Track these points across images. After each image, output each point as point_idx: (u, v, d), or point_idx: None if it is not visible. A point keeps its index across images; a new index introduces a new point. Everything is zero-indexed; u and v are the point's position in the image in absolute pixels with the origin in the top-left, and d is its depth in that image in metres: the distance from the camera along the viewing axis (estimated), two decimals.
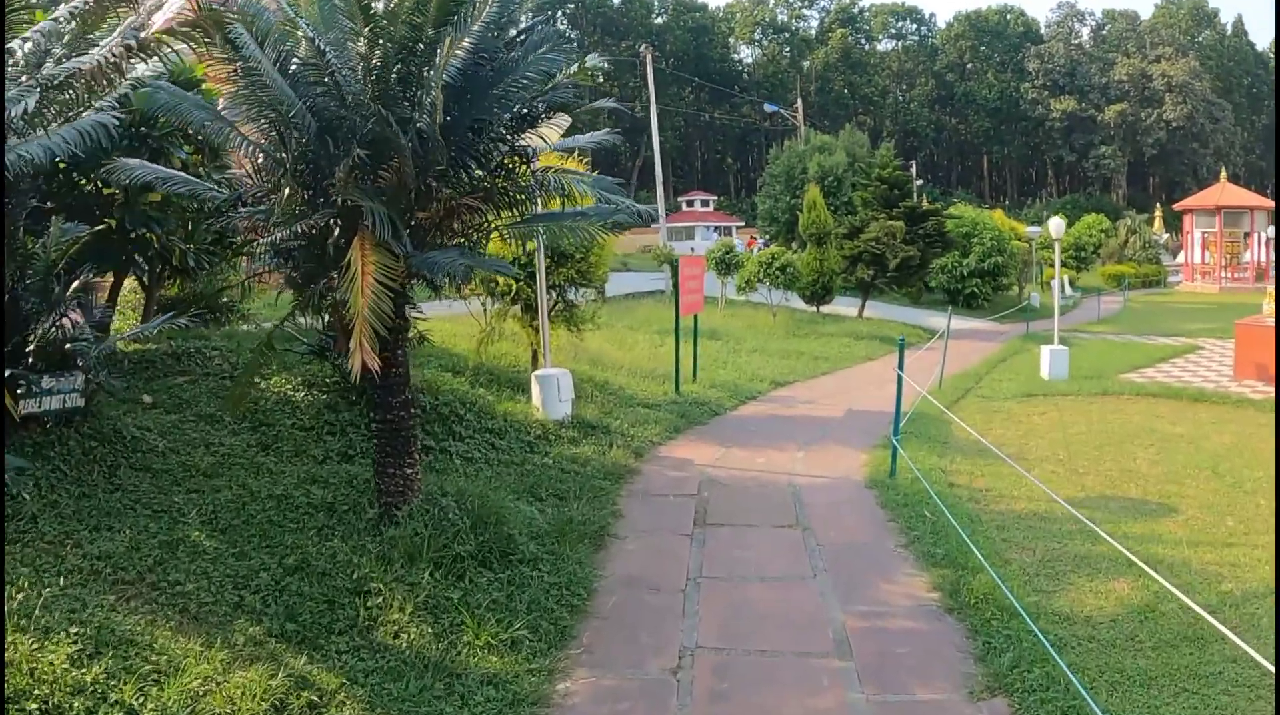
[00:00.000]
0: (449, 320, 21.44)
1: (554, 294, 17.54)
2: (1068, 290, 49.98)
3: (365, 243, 7.44)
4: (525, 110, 8.93)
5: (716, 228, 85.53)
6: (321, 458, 11.75)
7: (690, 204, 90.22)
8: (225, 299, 17.17)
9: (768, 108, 73.55)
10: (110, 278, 14.30)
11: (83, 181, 12.29)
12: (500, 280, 16.76)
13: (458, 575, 8.37)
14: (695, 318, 20.51)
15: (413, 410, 9.55)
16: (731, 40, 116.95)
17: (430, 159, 8.11)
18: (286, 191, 7.85)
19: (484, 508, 9.51)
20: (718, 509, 11.50)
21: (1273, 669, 4.81)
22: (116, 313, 16.50)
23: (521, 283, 16.64)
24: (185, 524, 9.27)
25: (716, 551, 9.97)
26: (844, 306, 38.80)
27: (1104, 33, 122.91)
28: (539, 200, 11.70)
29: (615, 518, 11.09)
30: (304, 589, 8.02)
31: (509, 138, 9.00)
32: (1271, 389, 18.83)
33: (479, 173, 8.99)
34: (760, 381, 21.62)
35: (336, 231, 8.25)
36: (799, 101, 72.12)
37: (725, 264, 34.11)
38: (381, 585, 8.07)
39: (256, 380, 11.38)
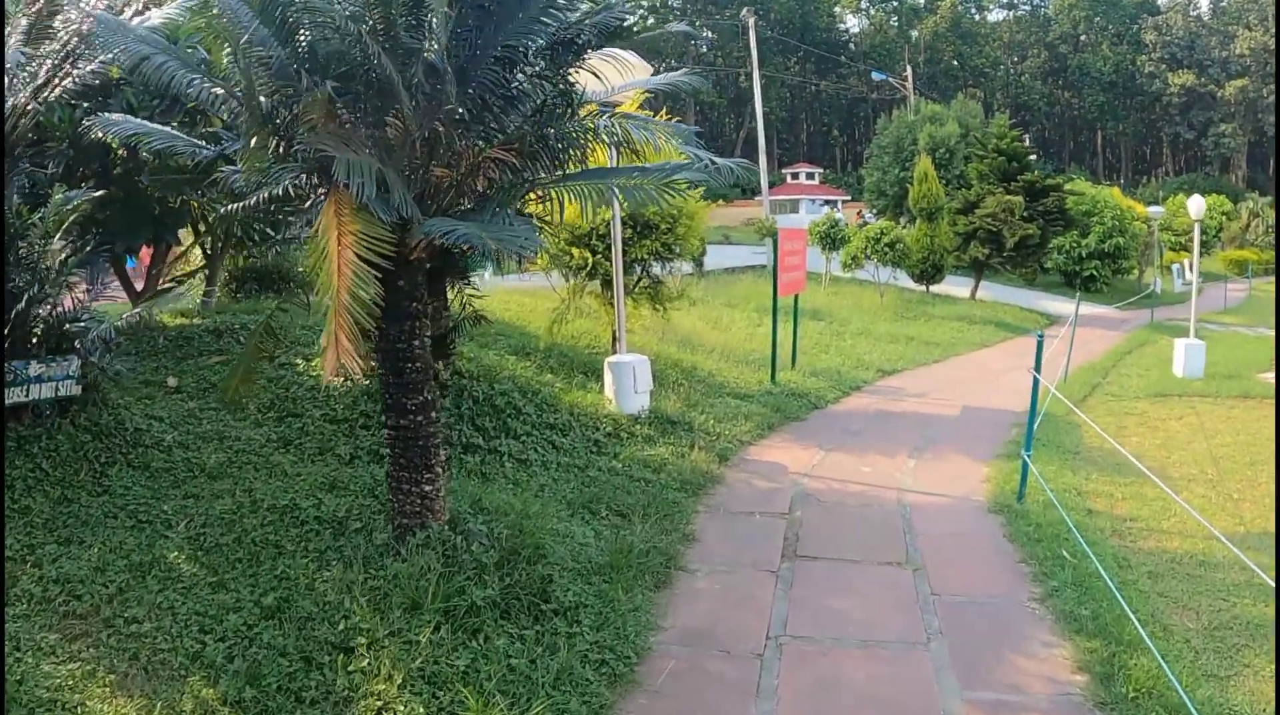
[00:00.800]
0: (530, 293, 19.78)
1: (638, 269, 15.68)
2: (1188, 275, 46.36)
3: (340, 206, 5.60)
4: (568, 36, 6.95)
5: (826, 201, 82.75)
6: (348, 457, 10.16)
7: (795, 176, 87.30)
8: (300, 268, 15.70)
9: (875, 75, 70.31)
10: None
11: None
12: (575, 252, 14.96)
13: (471, 631, 6.52)
14: (795, 298, 18.36)
15: (435, 413, 7.73)
16: (838, 9, 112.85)
17: (440, 98, 6.23)
18: (253, 141, 6.00)
19: (520, 535, 7.74)
20: (812, 535, 9.49)
21: None
22: (181, 284, 15.41)
23: (599, 256, 14.81)
24: (166, 540, 7.83)
25: (807, 598, 7.96)
26: (955, 286, 36.26)
27: (1224, 4, 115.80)
28: (614, 156, 9.87)
29: (686, 543, 9.18)
30: (277, 640, 6.35)
31: (550, 73, 7.05)
32: None
33: (511, 117, 7.07)
34: (866, 369, 19.48)
35: (317, 193, 6.42)
36: (908, 69, 68.64)
37: (830, 238, 31.82)
38: (371, 641, 6.29)
39: (264, 364, 9.78)
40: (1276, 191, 35.51)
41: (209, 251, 15.53)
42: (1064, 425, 14.59)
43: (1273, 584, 6.03)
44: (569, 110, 7.36)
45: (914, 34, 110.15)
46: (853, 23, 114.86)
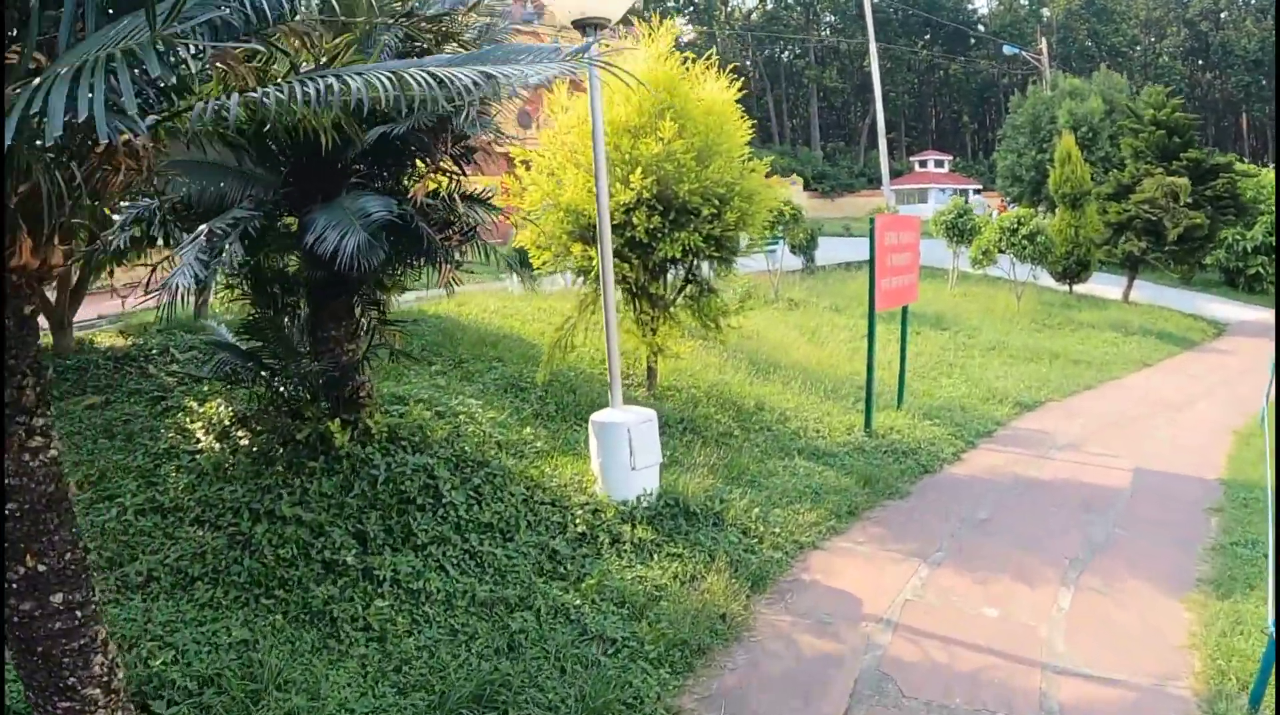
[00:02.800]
0: (559, 296, 15.50)
1: (671, 271, 11.18)
2: None
3: None
4: None
5: (960, 189, 76.52)
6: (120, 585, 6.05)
7: (924, 164, 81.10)
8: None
9: (1008, 49, 63.64)
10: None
11: None
12: (576, 249, 10.55)
13: None
14: (904, 311, 13.46)
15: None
16: None
17: None
18: None
19: None
20: None
21: None
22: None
23: (622, 248, 10.37)
24: None
25: None
26: (1102, 285, 30.63)
27: None
28: None
29: None
30: None
31: None
32: None
33: None
34: (999, 402, 14.50)
35: None
36: (1042, 42, 61.93)
37: (957, 229, 26.51)
38: None
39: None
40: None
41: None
42: None
43: None
44: None
45: (1045, 13, 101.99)
46: (981, 2, 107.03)
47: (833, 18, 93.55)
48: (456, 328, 13.74)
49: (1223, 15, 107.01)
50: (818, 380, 13.95)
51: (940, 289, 25.73)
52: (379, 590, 6.54)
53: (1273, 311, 30.03)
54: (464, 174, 8.10)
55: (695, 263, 11.01)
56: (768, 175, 11.22)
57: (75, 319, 10.95)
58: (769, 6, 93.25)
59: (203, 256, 6.76)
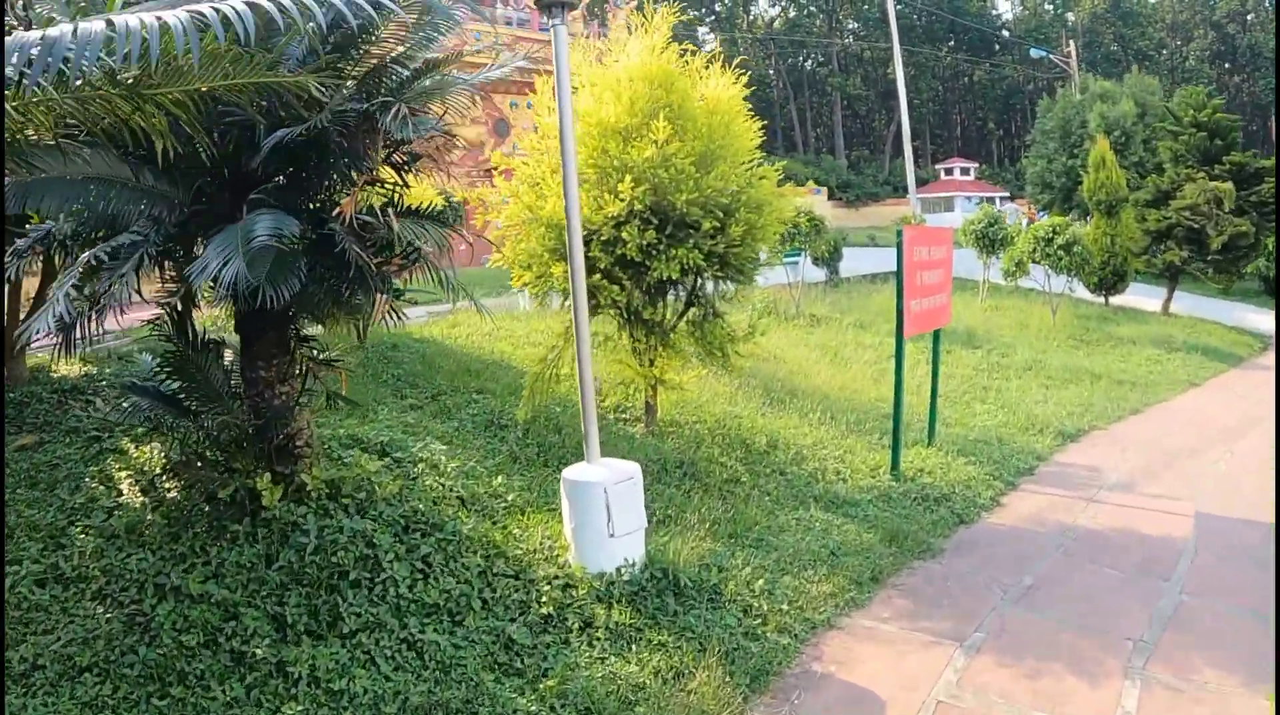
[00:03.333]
0: (566, 314, 14.20)
1: (671, 294, 9.90)
2: None
3: None
4: None
5: (987, 197, 74.85)
6: None
7: (949, 172, 79.37)
8: None
9: (1034, 52, 61.74)
10: None
11: None
12: (557, 270, 9.29)
13: None
14: (936, 336, 12.03)
15: None
16: None
17: None
18: None
19: None
20: None
21: None
22: None
23: (603, 275, 9.09)
24: None
25: None
26: (1139, 296, 29.08)
27: None
28: None
29: None
30: None
31: None
32: None
33: None
34: (1038, 432, 13.09)
35: None
36: (1070, 45, 60.13)
37: (988, 239, 25.04)
38: None
39: None
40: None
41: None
42: None
43: None
44: None
45: (1070, 17, 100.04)
46: (1005, 8, 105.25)
47: (855, 24, 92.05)
48: (441, 354, 12.52)
49: (1250, 17, 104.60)
50: (840, 409, 12.61)
51: (970, 302, 24.30)
52: (292, 690, 5.31)
53: None
54: (404, 185, 6.86)
55: (699, 283, 9.71)
56: (781, 182, 9.89)
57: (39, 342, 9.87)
58: (791, 14, 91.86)
59: (78, 287, 5.58)
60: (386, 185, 6.85)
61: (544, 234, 9.14)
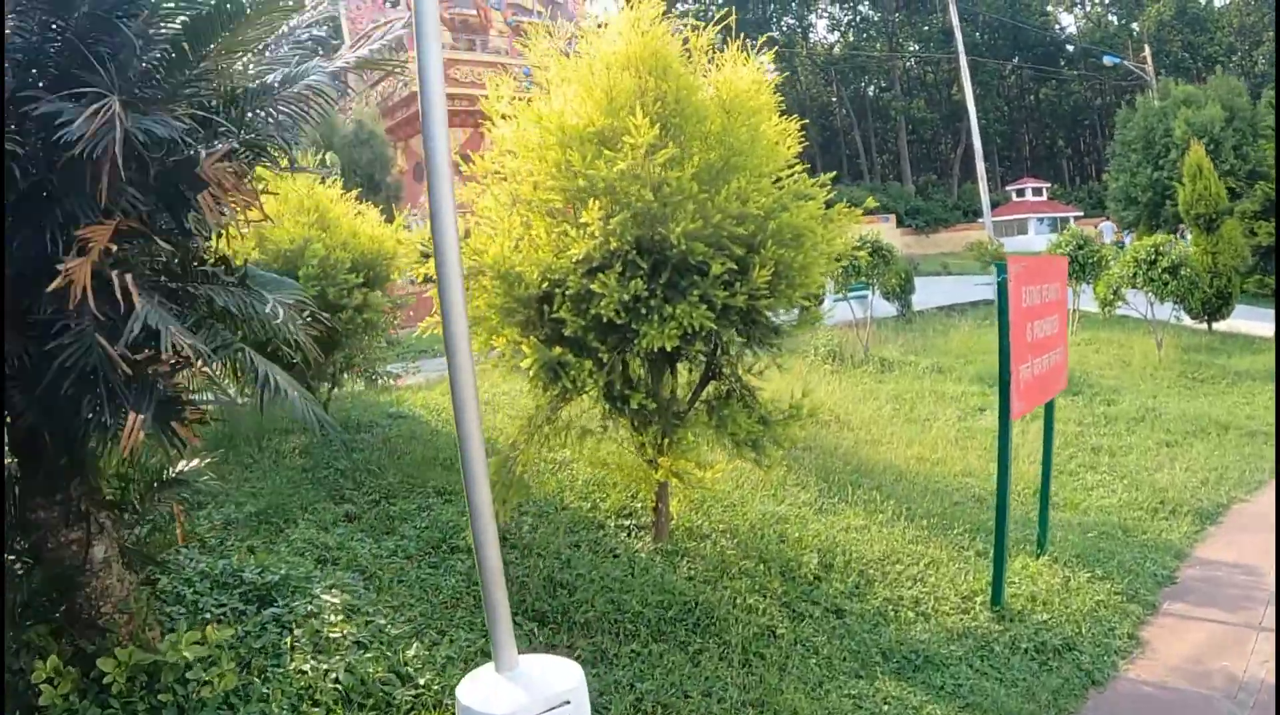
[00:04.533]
0: None
1: (692, 359, 6.97)
2: None
3: None
4: None
5: (1061, 218, 70.74)
6: None
7: (1020, 193, 75.28)
8: None
9: (1107, 59, 57.65)
10: None
11: None
12: (508, 336, 6.44)
13: None
14: (1049, 407, 8.62)
15: None
16: (1050, 9, 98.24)
17: None
18: None
19: None
20: None
21: None
22: None
23: (574, 347, 6.18)
24: None
25: None
26: (1246, 320, 25.30)
27: None
28: None
29: None
30: None
31: None
32: None
33: None
34: (1170, 515, 9.82)
35: None
36: (1146, 50, 55.97)
37: (1078, 264, 21.57)
38: None
39: None
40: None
41: None
42: None
43: None
44: None
45: (1134, 27, 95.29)
46: (1068, 21, 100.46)
47: (916, 46, 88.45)
48: (413, 434, 9.77)
49: None
50: (918, 493, 9.55)
51: None
52: None
53: None
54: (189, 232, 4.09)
55: (719, 347, 6.72)
56: (830, 203, 6.90)
57: None
58: (850, 38, 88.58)
59: None
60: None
61: (489, 286, 6.27)
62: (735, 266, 5.94)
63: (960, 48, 33.76)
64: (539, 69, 6.81)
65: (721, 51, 6.68)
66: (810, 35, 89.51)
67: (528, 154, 6.36)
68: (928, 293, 23.53)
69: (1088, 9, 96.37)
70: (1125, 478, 11.11)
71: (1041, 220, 71.33)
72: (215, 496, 7.84)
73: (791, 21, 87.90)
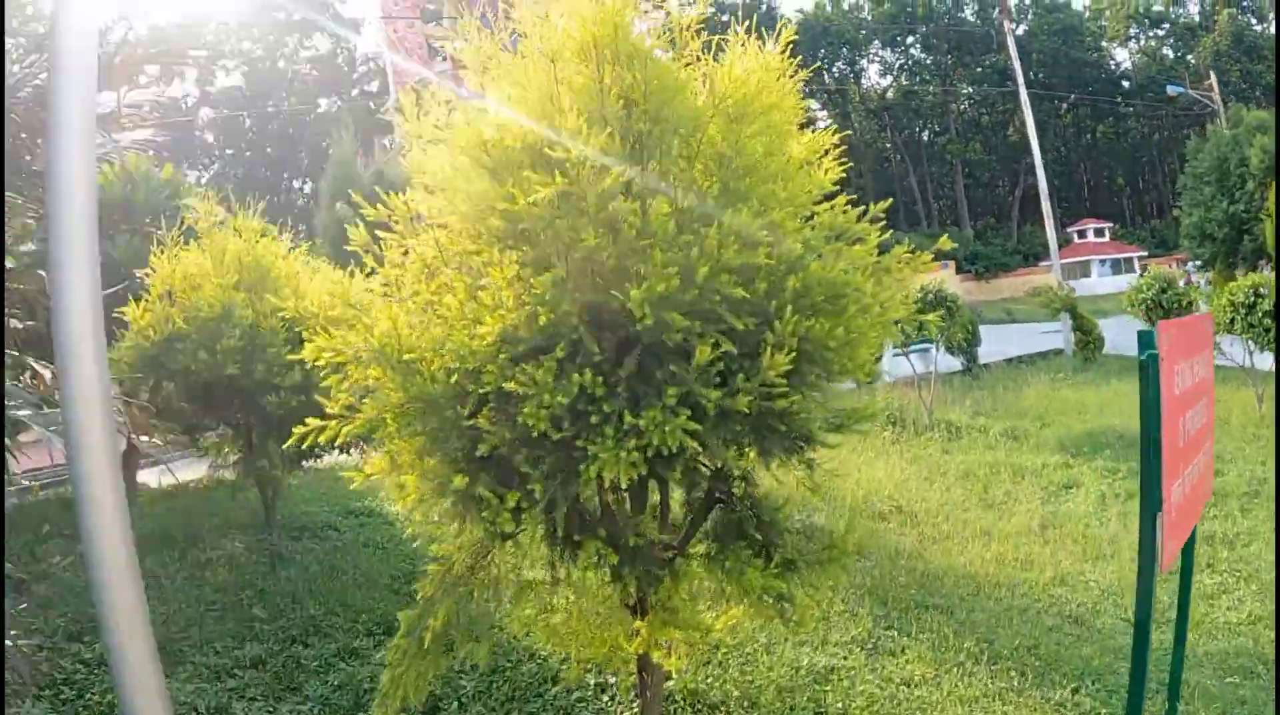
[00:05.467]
0: None
1: (687, 474, 4.65)
2: None
3: None
4: None
5: (1124, 259, 67.56)
6: None
7: (1082, 234, 72.22)
8: None
9: (1171, 89, 54.27)
10: None
11: None
12: (410, 482, 4.23)
13: None
14: (1189, 553, 5.42)
15: None
16: (1104, 44, 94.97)
17: None
18: None
19: None
20: None
21: None
22: None
23: (513, 450, 3.99)
24: None
25: None
26: None
27: None
28: None
29: None
30: None
31: None
32: None
33: None
34: None
35: None
36: (1212, 77, 52.76)
37: (1162, 308, 19.00)
38: None
39: None
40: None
41: None
42: None
43: None
44: None
45: (1190, 59, 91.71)
46: (1122, 57, 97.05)
47: (970, 88, 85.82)
48: (358, 544, 7.69)
49: None
50: (1002, 617, 7.23)
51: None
52: None
53: None
54: None
55: (730, 465, 4.46)
56: (884, 249, 4.66)
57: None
58: (904, 82, 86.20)
59: None
60: None
61: (385, 381, 4.15)
62: (735, 347, 3.76)
63: (1020, 81, 31.22)
64: (480, 72, 4.75)
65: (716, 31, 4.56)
66: (862, 80, 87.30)
67: (447, 189, 4.29)
68: (993, 343, 21.12)
69: (1142, 43, 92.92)
70: (1251, 579, 8.67)
71: (1104, 262, 68.32)
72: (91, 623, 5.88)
73: (843, 67, 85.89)
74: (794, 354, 3.81)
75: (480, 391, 3.90)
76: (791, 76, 4.60)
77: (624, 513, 4.39)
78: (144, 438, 9.05)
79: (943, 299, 15.52)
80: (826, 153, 4.82)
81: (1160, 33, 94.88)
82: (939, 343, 16.44)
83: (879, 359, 11.21)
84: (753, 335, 3.79)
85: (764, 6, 72.60)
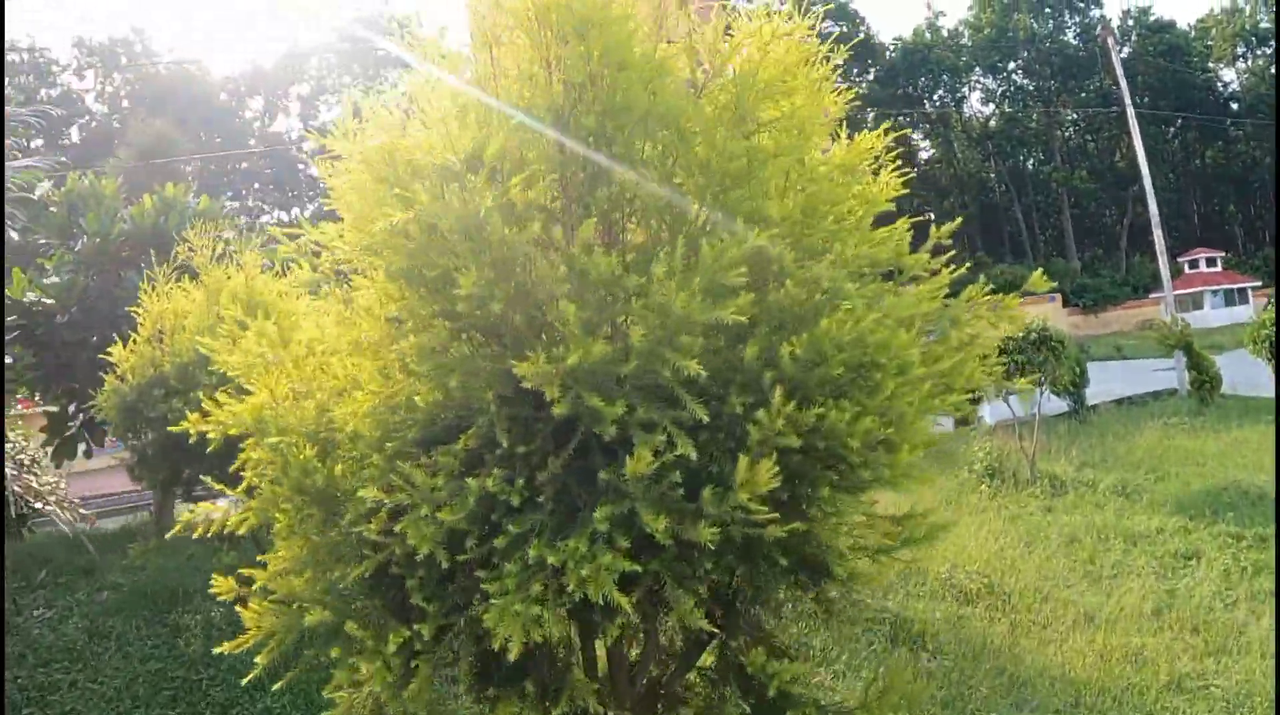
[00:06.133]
0: None
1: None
2: None
3: None
4: None
5: (1239, 289, 63.68)
6: None
7: (1193, 264, 68.29)
8: None
9: None
10: None
11: None
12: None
13: None
14: None
15: None
16: (1211, 64, 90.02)
17: None
18: None
19: None
20: None
21: None
22: None
23: (411, 579, 2.77)
24: None
25: None
26: None
27: None
28: None
29: None
30: None
31: None
32: None
33: None
34: None
35: None
36: None
37: None
38: None
39: None
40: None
41: None
42: None
43: None
44: None
45: None
46: (1230, 76, 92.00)
47: (1074, 114, 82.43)
48: None
49: None
50: None
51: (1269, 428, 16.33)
52: None
53: None
54: None
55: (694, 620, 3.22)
56: (954, 290, 3.40)
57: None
58: (1005, 108, 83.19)
59: None
60: None
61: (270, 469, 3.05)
62: (694, 447, 2.52)
63: (1128, 103, 29.08)
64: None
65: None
66: (964, 108, 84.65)
67: (357, 212, 3.16)
68: (1101, 381, 19.27)
69: (1250, 63, 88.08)
70: None
71: (1216, 293, 64.58)
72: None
73: (944, 95, 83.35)
74: (799, 454, 2.56)
75: (358, 488, 2.75)
76: (826, 60, 3.38)
77: (567, 658, 3.17)
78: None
79: (1046, 338, 13.79)
80: (878, 159, 3.57)
81: (1268, 50, 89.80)
82: (1044, 385, 14.75)
83: (978, 401, 9.83)
84: (734, 424, 2.55)
85: (861, 34, 70.64)
